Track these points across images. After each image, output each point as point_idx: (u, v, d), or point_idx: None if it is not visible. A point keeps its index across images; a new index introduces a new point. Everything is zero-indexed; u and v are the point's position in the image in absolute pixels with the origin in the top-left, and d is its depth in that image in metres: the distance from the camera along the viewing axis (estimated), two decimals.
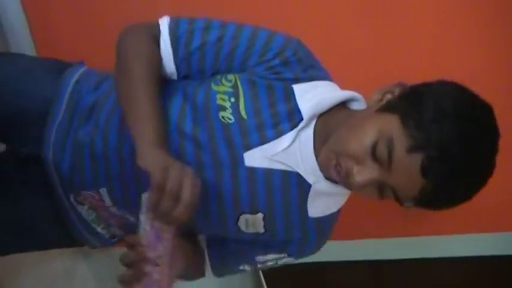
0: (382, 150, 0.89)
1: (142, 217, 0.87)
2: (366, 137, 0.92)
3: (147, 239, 0.86)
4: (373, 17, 1.66)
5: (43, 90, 1.12)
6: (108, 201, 1.10)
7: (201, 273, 1.19)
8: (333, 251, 2.18)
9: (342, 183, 0.97)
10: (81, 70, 1.19)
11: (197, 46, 1.04)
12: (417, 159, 0.86)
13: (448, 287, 2.12)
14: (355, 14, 1.67)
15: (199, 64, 1.05)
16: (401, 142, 0.88)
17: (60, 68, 1.18)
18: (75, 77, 1.16)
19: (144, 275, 0.86)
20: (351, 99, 1.05)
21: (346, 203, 1.88)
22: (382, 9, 1.64)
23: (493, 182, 1.68)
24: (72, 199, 1.11)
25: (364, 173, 0.91)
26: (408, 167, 0.87)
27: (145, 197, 0.86)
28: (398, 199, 0.92)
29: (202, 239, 1.16)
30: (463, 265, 2.03)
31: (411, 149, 0.87)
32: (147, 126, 0.93)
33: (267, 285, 2.29)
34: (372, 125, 0.93)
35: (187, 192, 0.84)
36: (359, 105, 1.05)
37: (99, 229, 1.19)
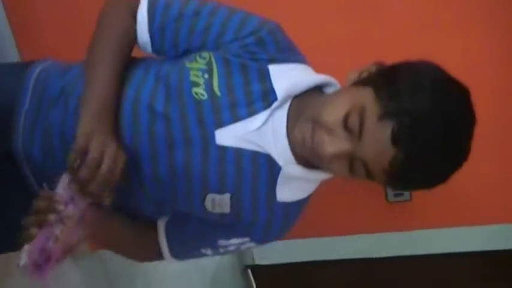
0: (353, 120, 0.89)
1: (64, 176, 0.90)
2: (338, 107, 0.91)
3: (61, 197, 0.89)
4: (360, 9, 1.67)
5: (7, 83, 1.11)
6: None
7: (148, 256, 1.19)
8: (322, 250, 2.19)
9: (313, 157, 0.96)
10: (47, 61, 1.18)
11: (173, 18, 1.05)
12: (388, 126, 0.85)
13: (443, 283, 2.13)
14: (340, 6, 1.67)
15: (174, 36, 1.05)
16: (373, 111, 0.87)
17: (25, 64, 1.17)
18: (40, 66, 1.15)
19: (47, 223, 0.87)
20: (326, 84, 1.05)
21: (332, 198, 1.91)
22: (369, 1, 1.65)
23: (487, 173, 1.71)
24: (45, 186, 1.11)
25: (335, 144, 0.91)
26: (379, 135, 0.86)
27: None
28: (369, 173, 0.91)
29: (161, 221, 1.15)
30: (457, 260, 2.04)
31: (382, 117, 0.86)
32: (94, 95, 0.96)
33: (256, 285, 2.30)
34: (345, 97, 0.93)
35: (106, 165, 0.87)
36: (334, 90, 1.05)
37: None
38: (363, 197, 1.87)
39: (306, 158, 0.99)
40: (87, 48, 1.05)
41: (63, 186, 0.90)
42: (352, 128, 0.89)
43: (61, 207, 0.89)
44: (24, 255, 0.87)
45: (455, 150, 0.89)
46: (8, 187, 1.11)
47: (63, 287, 1.94)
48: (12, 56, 1.84)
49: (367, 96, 0.89)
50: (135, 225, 1.13)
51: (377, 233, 2.03)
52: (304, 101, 1.01)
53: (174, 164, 0.99)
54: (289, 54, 1.05)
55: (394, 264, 2.12)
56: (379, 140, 0.87)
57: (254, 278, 2.38)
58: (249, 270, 2.39)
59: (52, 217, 0.88)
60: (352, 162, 0.92)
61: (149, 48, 1.08)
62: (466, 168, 1.75)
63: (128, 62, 1.07)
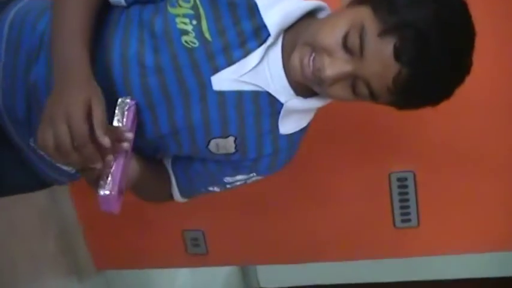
0: (353, 39, 0.87)
1: (119, 108, 0.91)
2: (336, 28, 0.90)
3: (127, 127, 0.91)
4: None
5: None
6: None
7: (165, 196, 1.18)
8: (328, 274, 2.18)
9: (313, 83, 0.94)
10: (22, 2, 1.10)
11: None
12: (389, 42, 0.84)
13: None
14: None
15: None
16: (373, 28, 0.86)
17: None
18: (16, 7, 1.08)
19: (120, 151, 0.89)
20: (318, 9, 1.03)
21: (340, 224, 1.90)
22: None
23: (495, 200, 1.70)
24: (32, 143, 1.07)
25: (336, 66, 0.89)
26: (380, 52, 0.85)
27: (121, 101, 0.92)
28: (372, 93, 0.90)
29: (167, 161, 1.15)
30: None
31: (383, 33, 0.85)
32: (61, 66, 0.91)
33: None
34: (343, 17, 0.91)
35: (78, 137, 0.83)
36: (328, 14, 1.03)
37: (63, 166, 1.14)
38: (371, 223, 1.86)
39: (305, 86, 0.98)
40: None
41: (121, 117, 0.91)
42: (352, 48, 0.88)
43: (130, 135, 0.90)
44: (109, 182, 0.87)
45: (460, 61, 0.88)
46: None
47: None
48: None
49: (365, 14, 0.88)
50: (150, 164, 1.11)
51: (384, 259, 2.02)
52: (297, 31, 0.98)
53: (174, 118, 0.98)
54: None
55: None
56: (381, 57, 0.85)
57: None
58: None
59: (125, 145, 0.89)
60: (355, 84, 0.91)
61: (124, 3, 1.02)
62: (474, 195, 1.75)
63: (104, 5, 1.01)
